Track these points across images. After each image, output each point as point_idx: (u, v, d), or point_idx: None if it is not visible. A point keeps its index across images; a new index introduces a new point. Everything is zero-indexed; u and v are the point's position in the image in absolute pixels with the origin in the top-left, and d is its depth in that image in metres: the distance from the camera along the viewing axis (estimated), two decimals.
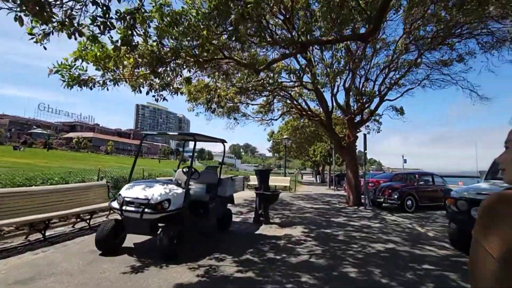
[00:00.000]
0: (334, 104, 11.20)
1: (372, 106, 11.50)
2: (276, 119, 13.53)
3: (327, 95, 11.61)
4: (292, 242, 5.20)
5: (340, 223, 7.06)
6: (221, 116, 11.55)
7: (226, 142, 6.36)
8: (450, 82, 10.44)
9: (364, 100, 10.44)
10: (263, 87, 9.18)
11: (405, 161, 35.44)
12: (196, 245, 4.79)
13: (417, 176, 10.99)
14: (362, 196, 10.43)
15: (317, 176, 33.69)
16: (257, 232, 5.99)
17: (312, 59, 8.02)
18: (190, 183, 4.87)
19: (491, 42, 7.55)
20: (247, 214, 8.03)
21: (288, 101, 12.90)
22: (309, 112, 11.80)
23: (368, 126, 16.05)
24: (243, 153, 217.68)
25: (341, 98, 13.90)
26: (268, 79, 8.42)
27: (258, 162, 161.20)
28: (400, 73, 10.45)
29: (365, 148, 9.98)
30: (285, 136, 17.67)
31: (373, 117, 13.00)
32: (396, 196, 9.78)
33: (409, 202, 9.79)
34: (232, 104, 10.66)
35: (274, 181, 16.40)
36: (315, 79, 6.34)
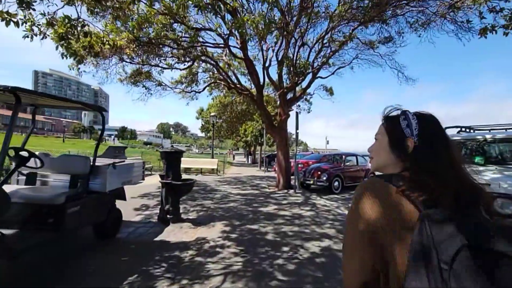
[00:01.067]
0: (266, 78, 9.98)
1: (304, 84, 10.81)
2: (200, 92, 11.57)
3: (259, 69, 10.30)
4: (204, 252, 3.74)
5: (269, 214, 5.99)
6: (127, 83, 8.95)
7: (105, 111, 4.32)
8: (377, 64, 10.46)
9: (298, 72, 9.50)
10: (177, 44, 7.11)
11: (327, 142, 38.46)
12: (39, 275, 2.82)
13: (343, 157, 10.99)
14: (292, 177, 9.84)
15: (249, 157, 33.34)
16: (158, 237, 4.31)
17: (239, 10, 6.41)
18: (41, 173, 3.54)
19: (422, 20, 7.36)
20: (154, 209, 6.21)
21: (216, 72, 11.08)
22: (238, 86, 10.31)
23: (299, 106, 15.70)
24: (173, 133, 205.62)
25: (273, 74, 12.83)
26: (183, 33, 6.43)
27: (189, 142, 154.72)
28: (332, 49, 9.89)
29: (297, 127, 9.20)
30: (212, 113, 15.88)
31: (305, 96, 12.42)
32: (325, 178, 9.44)
33: (336, 184, 9.60)
34: (138, 68, 8.24)
35: (200, 163, 14.68)
36: (239, 25, 4.76)
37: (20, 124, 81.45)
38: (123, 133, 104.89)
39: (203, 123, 28.63)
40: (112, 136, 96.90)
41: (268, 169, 19.68)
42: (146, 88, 9.84)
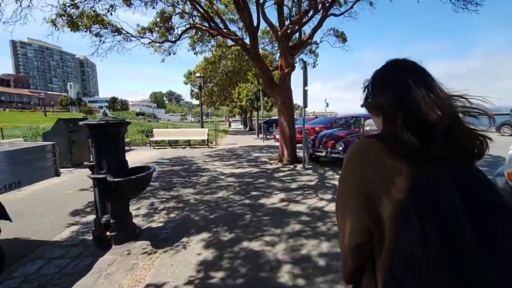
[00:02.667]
0: (261, 17, 7.31)
1: (310, 27, 8.14)
2: (174, 41, 8.87)
3: (252, 8, 7.55)
4: None
5: (276, 212, 3.96)
6: (63, 25, 6.30)
7: None
8: None
9: (305, 3, 6.83)
10: None
11: (327, 105, 35.97)
12: None
13: (362, 120, 8.79)
14: (298, 148, 7.76)
15: (246, 123, 31.04)
16: (79, 284, 2.29)
17: None
18: None
19: None
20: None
21: (195, 14, 8.32)
22: (225, 30, 7.69)
23: (302, 60, 13.05)
24: (166, 102, 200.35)
25: (271, 16, 9.92)
26: None
27: (184, 110, 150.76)
28: None
29: (305, 83, 6.83)
30: (198, 74, 13.22)
31: (311, 45, 9.78)
32: (341, 148, 7.34)
33: None
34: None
35: (187, 134, 12.48)
36: None
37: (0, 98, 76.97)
38: (114, 104, 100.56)
39: (192, 88, 25.77)
40: (104, 108, 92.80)
41: (267, 136, 17.59)
42: (96, 36, 7.19)
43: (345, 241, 0.68)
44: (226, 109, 48.18)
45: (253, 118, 29.90)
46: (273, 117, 34.75)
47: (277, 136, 15.24)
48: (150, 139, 12.22)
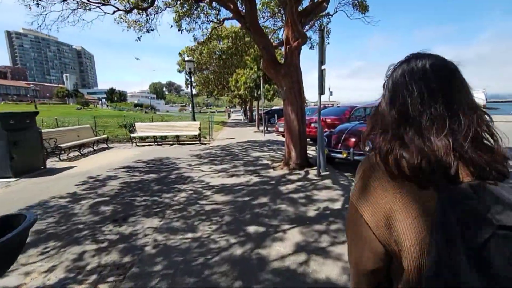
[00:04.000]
0: None
1: None
2: (146, 8, 6.90)
3: None
4: None
5: (290, 283, 2.17)
6: None
7: None
8: None
9: None
10: None
11: (331, 93, 33.83)
12: None
13: None
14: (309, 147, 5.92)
15: (246, 114, 29.06)
16: None
17: None
18: None
19: None
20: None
21: None
22: None
23: (310, 39, 11.03)
24: (166, 93, 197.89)
25: None
26: None
27: (185, 101, 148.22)
28: None
29: (322, 60, 4.91)
30: (187, 58, 11.23)
31: (325, 11, 7.76)
32: (368, 149, 5.52)
33: None
34: None
35: (176, 128, 10.64)
36: None
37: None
38: (112, 95, 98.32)
39: (187, 77, 23.70)
40: (103, 99, 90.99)
41: (268, 129, 15.71)
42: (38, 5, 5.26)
43: (359, 266, 0.62)
44: (226, 99, 46.14)
45: (253, 109, 27.96)
46: (274, 107, 32.68)
47: (280, 129, 13.34)
48: (132, 135, 10.39)
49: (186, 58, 11.30)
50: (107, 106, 74.74)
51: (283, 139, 11.95)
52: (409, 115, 0.56)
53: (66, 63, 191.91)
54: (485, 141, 0.55)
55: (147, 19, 7.40)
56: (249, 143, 10.88)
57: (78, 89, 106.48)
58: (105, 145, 10.02)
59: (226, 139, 12.53)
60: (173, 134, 10.56)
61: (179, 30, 8.83)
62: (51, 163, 7.19)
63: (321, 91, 5.06)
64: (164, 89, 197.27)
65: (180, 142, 10.86)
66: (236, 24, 16.07)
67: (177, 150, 9.13)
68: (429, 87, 0.56)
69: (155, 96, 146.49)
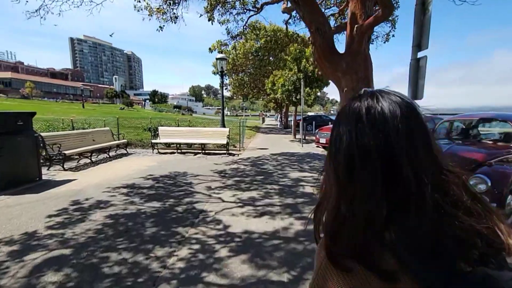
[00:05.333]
0: None
1: None
2: None
3: None
4: None
5: None
6: None
7: None
8: None
9: None
10: None
11: None
12: None
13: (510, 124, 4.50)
14: None
15: (281, 120, 27.24)
16: None
17: None
18: None
19: None
20: None
21: None
22: None
23: (372, 40, 8.91)
24: (204, 95, 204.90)
25: None
26: None
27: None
28: None
29: (420, 43, 2.97)
30: (219, 55, 9.82)
31: None
32: (484, 187, 3.36)
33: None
34: None
35: (201, 135, 9.26)
36: None
37: (52, 90, 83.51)
38: (154, 97, 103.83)
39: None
40: (147, 100, 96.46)
41: (305, 137, 13.70)
42: None
43: None
44: (261, 103, 44.77)
45: (289, 114, 26.03)
46: (309, 113, 30.22)
47: (322, 140, 11.31)
48: (153, 141, 9.22)
49: (218, 56, 9.93)
50: (150, 106, 78.64)
51: (326, 153, 9.88)
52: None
53: (118, 66, 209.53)
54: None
55: (169, 3, 6.08)
56: (285, 156, 9.04)
57: (125, 90, 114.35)
58: (124, 151, 8.99)
59: (259, 149, 10.85)
60: (198, 141, 9.18)
61: (209, 20, 7.42)
62: (52, 172, 6.16)
63: (415, 94, 3.07)
64: (202, 92, 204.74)
65: (206, 151, 9.44)
66: (275, 22, 14.55)
67: (200, 162, 7.66)
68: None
69: (194, 98, 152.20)
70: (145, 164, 7.14)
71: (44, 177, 5.66)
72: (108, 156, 8.08)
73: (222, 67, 10.20)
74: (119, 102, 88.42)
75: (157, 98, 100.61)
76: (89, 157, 7.30)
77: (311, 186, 5.32)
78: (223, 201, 4.40)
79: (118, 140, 9.02)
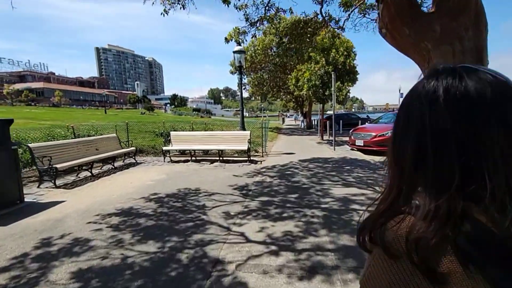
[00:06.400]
0: None
1: None
2: None
3: None
4: None
5: None
6: None
7: None
8: None
9: None
10: None
11: (401, 95, 27.93)
12: None
13: None
14: None
15: (304, 119, 25.57)
16: None
17: None
18: None
19: None
20: None
21: None
22: None
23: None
24: (223, 98, 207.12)
25: None
26: None
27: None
28: None
29: None
30: (236, 48, 8.51)
31: None
32: None
33: None
34: None
35: (218, 141, 8.02)
36: None
37: (79, 98, 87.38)
38: (174, 100, 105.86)
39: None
40: (167, 105, 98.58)
41: (336, 139, 12.03)
42: None
43: None
44: (280, 104, 43.22)
45: (312, 113, 24.33)
46: (329, 111, 28.23)
47: (358, 142, 9.67)
48: (165, 149, 8.09)
49: (235, 48, 8.65)
50: (170, 110, 79.88)
51: (367, 157, 8.35)
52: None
53: (140, 72, 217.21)
54: None
55: None
56: (318, 163, 7.54)
57: (146, 95, 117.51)
58: (133, 160, 7.94)
59: (284, 154, 9.41)
60: (215, 148, 7.93)
61: (224, 2, 6.14)
62: (42, 191, 5.14)
63: None
64: (221, 94, 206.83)
65: (224, 158, 8.16)
66: (296, 13, 13.04)
67: (216, 174, 6.37)
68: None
69: (212, 101, 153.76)
70: (152, 178, 5.96)
71: (29, 198, 4.63)
72: (113, 167, 7.04)
73: (240, 62, 8.91)
74: (141, 107, 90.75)
75: (177, 102, 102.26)
76: (89, 170, 6.26)
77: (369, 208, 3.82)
78: (248, 240, 3.04)
79: (127, 147, 8.00)
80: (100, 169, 6.97)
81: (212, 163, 7.78)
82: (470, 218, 0.35)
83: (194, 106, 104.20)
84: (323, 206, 4.05)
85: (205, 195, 4.67)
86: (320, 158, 8.24)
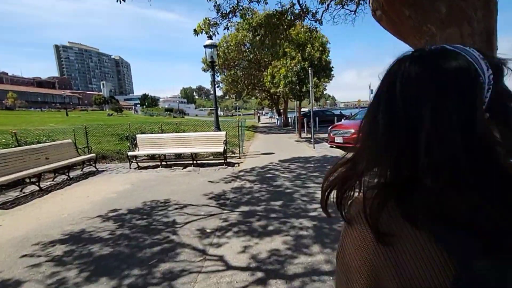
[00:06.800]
0: None
1: None
2: None
3: None
4: None
5: None
6: None
7: None
8: None
9: None
10: None
11: (371, 91, 28.93)
12: None
13: None
14: None
15: (279, 117, 25.38)
16: None
17: None
18: None
19: None
20: None
21: None
22: None
23: None
24: (196, 97, 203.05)
25: None
26: None
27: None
28: None
29: None
30: (207, 42, 7.84)
31: None
32: None
33: None
34: None
35: (190, 143, 7.37)
36: None
37: (37, 100, 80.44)
38: (144, 101, 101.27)
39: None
40: (137, 105, 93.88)
41: (308, 136, 11.83)
42: None
43: None
44: (255, 102, 42.88)
45: (287, 110, 24.25)
46: (303, 108, 28.48)
47: (338, 140, 9.52)
48: (130, 154, 7.25)
49: (206, 42, 7.99)
50: (141, 111, 76.09)
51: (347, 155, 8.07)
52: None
53: (106, 72, 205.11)
54: None
55: None
56: (299, 163, 7.17)
57: (114, 96, 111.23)
58: (93, 168, 6.99)
59: (263, 154, 8.96)
60: (187, 151, 7.24)
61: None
62: None
63: None
64: (194, 93, 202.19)
65: (198, 162, 7.51)
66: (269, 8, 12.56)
67: (190, 181, 5.73)
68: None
69: (185, 100, 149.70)
70: (113, 189, 5.17)
71: None
72: (68, 178, 6.09)
73: (212, 57, 8.26)
74: (109, 108, 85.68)
75: (148, 102, 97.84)
76: (37, 183, 5.30)
77: None
78: (228, 266, 2.50)
79: (85, 154, 7.03)
80: (53, 180, 6.00)
81: (185, 167, 7.09)
82: (417, 185, 0.37)
83: (166, 106, 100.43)
84: (311, 214, 3.62)
85: (176, 208, 4.04)
86: (301, 158, 7.89)
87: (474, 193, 0.34)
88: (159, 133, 8.79)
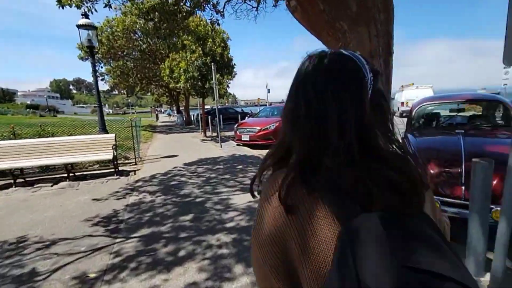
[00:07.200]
0: None
1: None
2: None
3: None
4: None
5: None
6: None
7: None
8: None
9: None
10: None
11: (268, 91, 31.96)
12: None
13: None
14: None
15: (180, 115, 23.81)
16: None
17: None
18: None
19: None
20: None
21: None
22: None
23: None
24: (74, 91, 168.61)
25: None
26: None
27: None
28: None
29: None
30: (81, 21, 6.11)
31: None
32: None
33: None
34: None
35: (65, 151, 5.62)
36: None
37: None
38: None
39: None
40: None
41: (214, 134, 11.59)
42: None
43: None
44: (152, 98, 38.94)
45: (189, 108, 23.08)
46: (208, 106, 28.17)
47: (244, 137, 9.52)
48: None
49: (80, 21, 6.22)
50: None
51: (255, 152, 8.21)
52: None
53: None
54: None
55: None
56: (207, 165, 6.66)
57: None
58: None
59: (164, 157, 7.92)
60: (61, 161, 5.45)
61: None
62: None
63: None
64: (71, 86, 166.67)
65: (78, 175, 5.81)
66: None
67: (64, 201, 4.25)
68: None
69: (58, 95, 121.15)
70: None
71: None
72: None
73: (90, 41, 6.55)
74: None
75: None
76: None
77: None
78: None
79: None
80: None
81: (56, 183, 5.32)
82: (319, 165, 0.43)
83: (29, 102, 77.82)
84: (228, 225, 3.21)
85: (38, 249, 2.79)
86: (209, 159, 7.39)
87: (357, 168, 0.41)
88: (10, 139, 6.33)
